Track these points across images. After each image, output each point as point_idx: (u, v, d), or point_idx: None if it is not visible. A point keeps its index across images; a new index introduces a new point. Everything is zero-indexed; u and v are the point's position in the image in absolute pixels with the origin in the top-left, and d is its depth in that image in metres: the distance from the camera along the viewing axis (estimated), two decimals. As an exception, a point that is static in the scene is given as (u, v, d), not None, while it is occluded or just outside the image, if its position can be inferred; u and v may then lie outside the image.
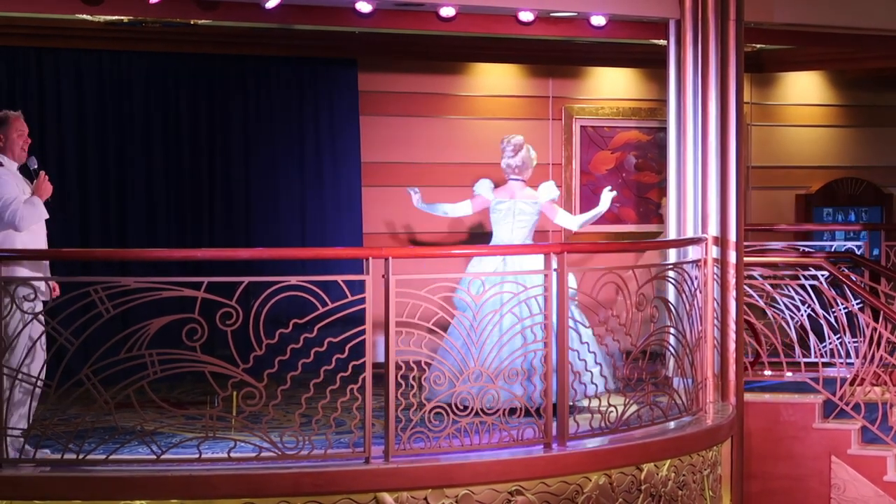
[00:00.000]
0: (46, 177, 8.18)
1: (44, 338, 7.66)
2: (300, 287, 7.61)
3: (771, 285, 10.95)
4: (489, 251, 9.44)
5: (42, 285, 7.79)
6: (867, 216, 14.60)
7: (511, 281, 8.31)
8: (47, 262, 8.06)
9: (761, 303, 10.88)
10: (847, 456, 10.17)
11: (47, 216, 8.12)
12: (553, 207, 9.89)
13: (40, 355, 7.70)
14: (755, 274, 10.87)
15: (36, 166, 8.19)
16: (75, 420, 7.72)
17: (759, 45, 12.29)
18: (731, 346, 9.62)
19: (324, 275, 7.74)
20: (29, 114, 10.93)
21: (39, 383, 7.57)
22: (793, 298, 10.93)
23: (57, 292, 7.97)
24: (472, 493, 7.69)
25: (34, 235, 8.05)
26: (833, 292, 10.64)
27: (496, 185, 9.89)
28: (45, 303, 7.78)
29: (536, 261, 8.58)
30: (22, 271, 7.64)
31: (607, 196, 9.93)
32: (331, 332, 7.68)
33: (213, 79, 11.71)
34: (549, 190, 9.87)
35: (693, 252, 9.48)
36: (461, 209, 10.02)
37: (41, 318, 7.63)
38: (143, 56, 11.43)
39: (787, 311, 10.94)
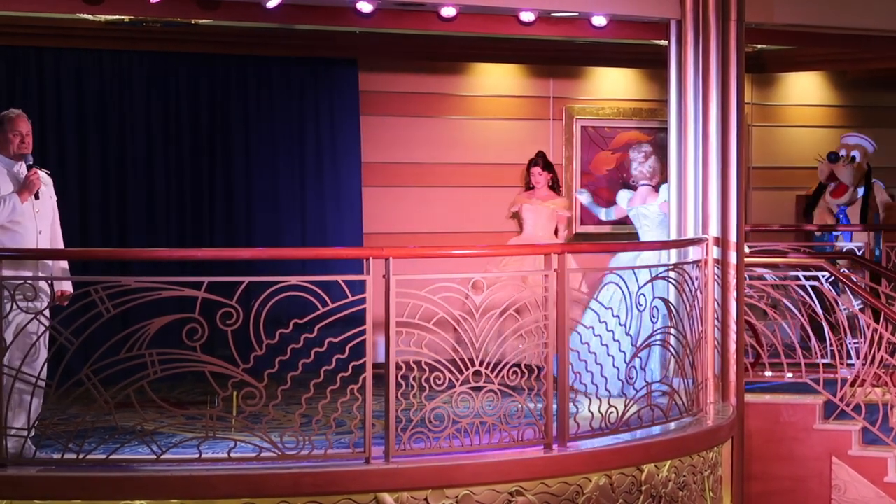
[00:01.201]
0: (37, 174, 8.17)
1: (46, 336, 7.66)
2: (300, 287, 7.61)
3: (772, 286, 10.95)
4: (490, 252, 9.44)
5: (44, 285, 7.78)
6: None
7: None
8: (51, 262, 8.08)
9: (762, 304, 10.88)
10: (848, 457, 10.16)
11: (38, 211, 8.12)
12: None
13: (43, 354, 7.69)
14: (756, 274, 10.86)
15: (30, 163, 8.20)
16: (75, 420, 7.71)
17: (759, 46, 12.29)
18: (732, 346, 9.61)
19: (324, 275, 7.74)
20: (29, 113, 10.93)
21: (41, 382, 7.56)
22: (793, 299, 10.93)
23: (65, 297, 7.96)
24: (472, 494, 7.68)
25: (13, 234, 8.04)
26: (834, 293, 10.63)
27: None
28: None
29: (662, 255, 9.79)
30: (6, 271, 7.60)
31: None
32: (331, 332, 7.68)
33: (214, 79, 11.71)
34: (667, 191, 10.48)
35: (694, 252, 9.48)
36: (610, 213, 11.33)
37: (41, 317, 7.63)
38: (144, 55, 11.43)
39: (787, 312, 10.94)
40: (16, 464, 7.41)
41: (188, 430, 8.09)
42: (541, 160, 12.31)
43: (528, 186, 12.38)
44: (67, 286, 8.06)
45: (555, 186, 12.37)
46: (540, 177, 12.26)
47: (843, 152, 13.52)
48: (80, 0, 9.10)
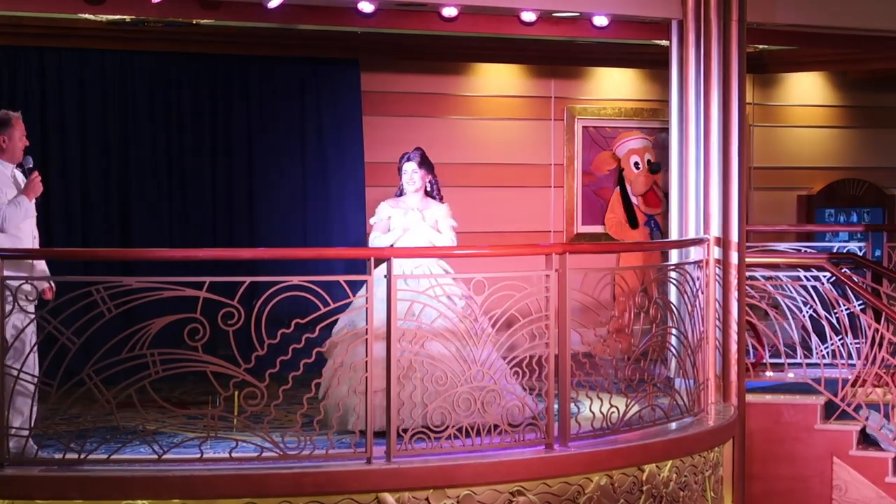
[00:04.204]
0: (39, 177, 8.14)
1: (34, 338, 7.62)
2: (302, 287, 7.62)
3: (773, 286, 10.96)
4: (490, 252, 9.43)
5: (28, 285, 7.70)
6: (869, 217, 14.60)
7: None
8: (39, 262, 8.01)
9: (763, 304, 10.89)
10: (848, 457, 10.17)
11: (34, 214, 8.09)
12: None
13: (33, 354, 7.63)
14: (757, 275, 10.87)
15: (30, 165, 8.15)
16: (77, 420, 7.73)
17: (761, 46, 12.30)
18: (733, 346, 9.62)
19: (326, 275, 7.75)
20: (32, 113, 11.00)
21: (33, 381, 7.53)
22: (794, 299, 10.94)
23: (49, 295, 7.88)
24: (473, 494, 7.68)
25: (15, 239, 8.00)
26: (835, 293, 10.64)
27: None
28: (38, 303, 7.74)
29: None
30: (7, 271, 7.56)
31: None
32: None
33: (216, 79, 11.70)
34: None
35: (695, 253, 9.48)
36: None
37: (30, 317, 7.58)
38: (146, 55, 11.43)
39: (788, 312, 10.95)
40: (17, 464, 7.41)
41: (190, 429, 8.10)
42: (418, 156, 9.41)
43: (400, 191, 9.46)
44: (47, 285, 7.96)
45: (433, 191, 9.40)
46: (417, 176, 9.33)
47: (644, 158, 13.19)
48: (81, 0, 9.11)
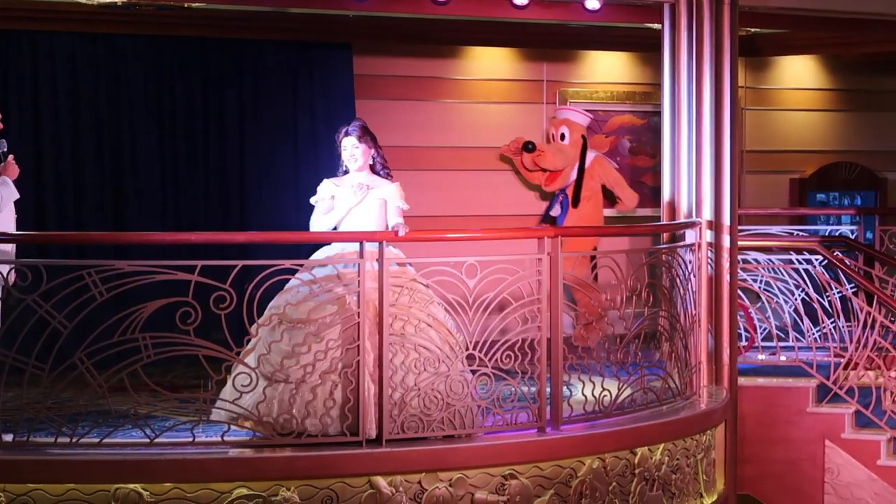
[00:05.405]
0: (13, 158, 8.10)
1: None
2: (294, 271, 7.62)
3: (765, 269, 10.97)
4: (482, 236, 9.42)
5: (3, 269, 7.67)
6: (861, 200, 14.61)
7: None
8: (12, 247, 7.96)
9: (756, 287, 10.90)
10: (841, 440, 10.20)
11: (18, 196, 8.07)
12: None
13: None
14: (749, 258, 10.89)
15: (5, 149, 8.11)
16: (69, 403, 7.71)
17: (753, 29, 12.28)
18: (725, 330, 9.63)
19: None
20: (24, 98, 10.97)
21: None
22: (787, 283, 10.95)
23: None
24: (465, 477, 7.70)
25: (4, 219, 7.97)
26: (827, 276, 10.65)
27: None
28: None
29: None
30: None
31: None
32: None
33: (208, 62, 11.66)
34: None
35: (687, 236, 9.48)
36: None
37: None
38: (138, 39, 11.38)
39: (781, 296, 10.96)
40: (9, 447, 7.40)
41: (182, 413, 8.09)
42: (358, 129, 8.60)
43: (345, 170, 8.66)
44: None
45: (378, 167, 8.58)
46: (358, 151, 8.55)
47: (553, 131, 12.93)
48: (73, -17, 9.11)
